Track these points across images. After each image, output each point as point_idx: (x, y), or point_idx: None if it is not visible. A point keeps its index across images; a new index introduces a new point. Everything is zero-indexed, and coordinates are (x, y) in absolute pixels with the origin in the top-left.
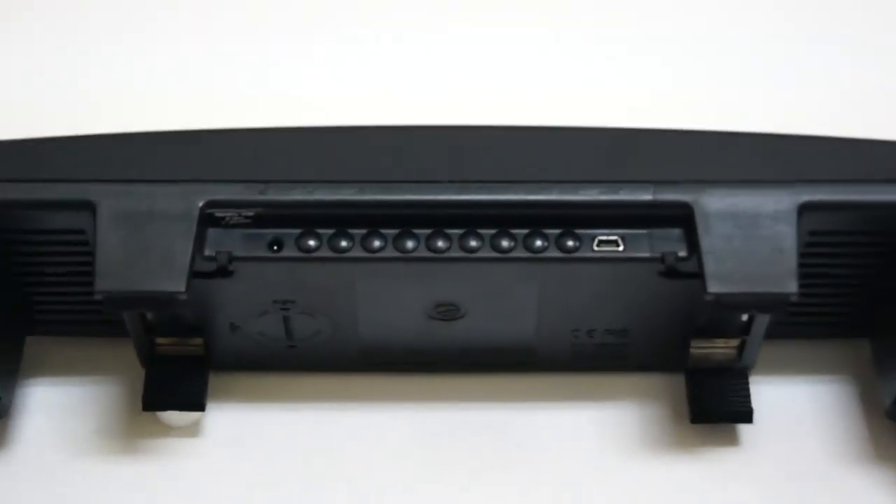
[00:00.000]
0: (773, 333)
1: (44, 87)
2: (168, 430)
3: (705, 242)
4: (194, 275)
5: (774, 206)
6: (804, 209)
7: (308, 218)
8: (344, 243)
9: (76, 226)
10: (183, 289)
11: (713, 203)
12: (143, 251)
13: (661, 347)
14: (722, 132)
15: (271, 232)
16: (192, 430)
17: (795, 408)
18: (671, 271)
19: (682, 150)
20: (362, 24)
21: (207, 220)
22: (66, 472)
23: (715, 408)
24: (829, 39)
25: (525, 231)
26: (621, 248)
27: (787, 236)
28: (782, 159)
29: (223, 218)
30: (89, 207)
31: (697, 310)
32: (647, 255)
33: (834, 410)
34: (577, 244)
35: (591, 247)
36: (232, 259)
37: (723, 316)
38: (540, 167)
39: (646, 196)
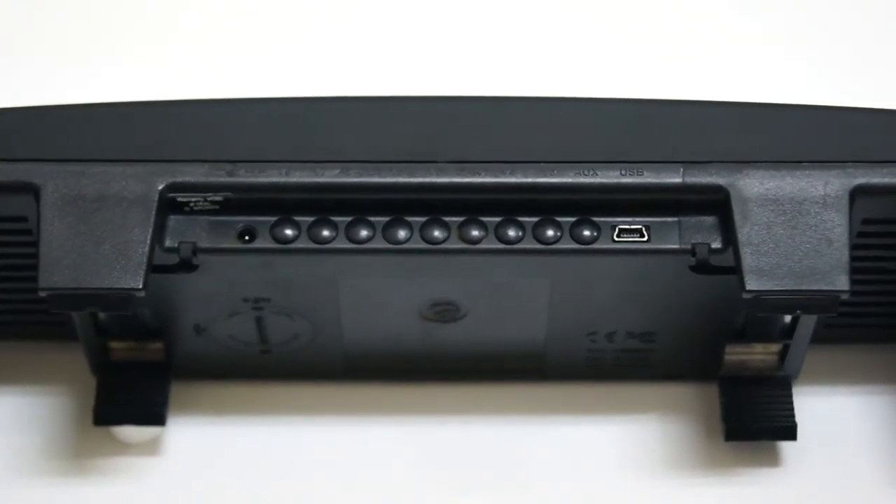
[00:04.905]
0: (820, 337)
1: None
2: (123, 448)
3: (743, 232)
4: (153, 269)
5: (823, 190)
6: (857, 193)
7: (284, 203)
8: (326, 233)
9: (17, 212)
10: (140, 285)
11: (752, 186)
12: (95, 242)
13: (690, 353)
14: (762, 104)
15: (242, 220)
16: (151, 448)
17: (845, 422)
18: (703, 265)
19: (716, 125)
20: None
21: (168, 205)
22: (5, 495)
23: (752, 423)
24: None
25: (535, 219)
26: (645, 239)
27: (837, 225)
28: (832, 136)
29: (186, 203)
30: (32, 191)
31: (733, 310)
32: (675, 246)
33: (889, 425)
34: (595, 234)
35: (611, 237)
36: (197, 251)
37: (762, 317)
38: (552, 145)
39: (674, 178)
